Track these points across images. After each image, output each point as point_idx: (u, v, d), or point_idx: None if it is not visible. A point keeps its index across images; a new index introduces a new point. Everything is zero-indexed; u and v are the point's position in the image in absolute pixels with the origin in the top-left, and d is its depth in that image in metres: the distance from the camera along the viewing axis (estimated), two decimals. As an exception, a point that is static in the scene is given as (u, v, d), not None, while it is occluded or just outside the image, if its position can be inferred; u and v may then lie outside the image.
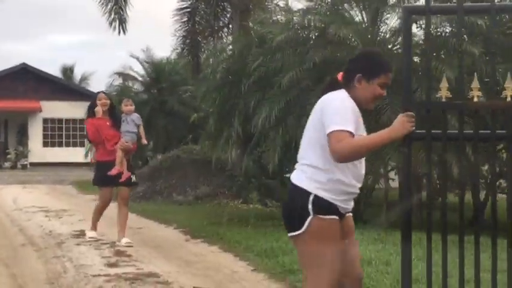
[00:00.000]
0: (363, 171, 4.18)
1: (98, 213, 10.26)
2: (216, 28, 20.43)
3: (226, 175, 19.80)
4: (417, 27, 14.14)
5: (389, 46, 14.30)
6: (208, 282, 7.53)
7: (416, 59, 14.41)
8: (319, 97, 4.19)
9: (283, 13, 15.52)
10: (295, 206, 3.95)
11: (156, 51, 79.85)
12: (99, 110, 9.60)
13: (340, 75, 4.24)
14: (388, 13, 13.96)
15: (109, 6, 20.77)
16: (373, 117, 12.56)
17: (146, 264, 8.47)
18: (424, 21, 13.91)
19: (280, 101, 12.77)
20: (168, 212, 15.55)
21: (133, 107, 9.77)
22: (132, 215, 15.04)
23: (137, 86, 31.43)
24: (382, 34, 14.22)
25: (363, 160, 4.17)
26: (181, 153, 21.18)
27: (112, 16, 20.83)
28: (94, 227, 10.35)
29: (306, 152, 4.08)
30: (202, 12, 20.29)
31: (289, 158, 17.00)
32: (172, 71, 30.49)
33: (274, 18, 15.39)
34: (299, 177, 4.03)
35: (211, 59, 16.57)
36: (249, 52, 13.92)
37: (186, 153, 21.15)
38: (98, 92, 10.39)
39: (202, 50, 21.01)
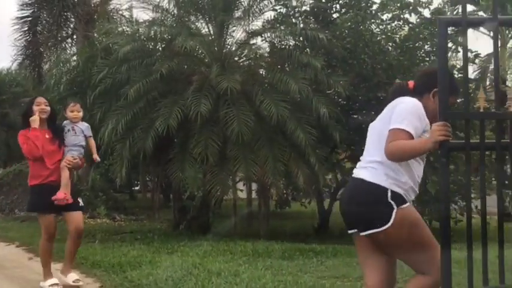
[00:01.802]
0: (418, 174, 4.15)
1: (46, 252, 7.65)
2: (59, 38, 19.85)
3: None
4: (262, 40, 14.47)
5: (236, 58, 14.49)
6: (52, 302, 7.23)
7: (262, 72, 14.73)
8: (389, 100, 4.25)
9: (128, 24, 15.32)
10: (374, 203, 4.00)
11: (-4, 61, 76.48)
12: (35, 119, 7.22)
13: (411, 84, 4.28)
14: (234, 26, 14.16)
15: None
16: (220, 128, 12.67)
17: (-15, 286, 8.03)
18: (268, 34, 14.32)
19: (127, 113, 12.60)
20: (9, 229, 14.85)
21: (81, 114, 7.52)
22: (-31, 234, 14.26)
23: (-25, 99, 29.97)
24: (229, 46, 14.39)
25: (420, 165, 4.13)
26: (23, 168, 20.30)
27: None
28: (49, 273, 7.61)
29: (376, 149, 4.11)
30: (44, 21, 19.63)
31: (137, 171, 16.83)
32: (14, 82, 29.37)
33: (120, 29, 15.14)
34: (371, 174, 4.07)
35: (54, 70, 16.03)
36: (94, 63, 13.64)
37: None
38: (35, 96, 7.82)
39: (45, 60, 20.32)
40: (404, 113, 3.98)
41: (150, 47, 14.25)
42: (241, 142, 12.33)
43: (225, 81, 12.34)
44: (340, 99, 14.69)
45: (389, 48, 14.80)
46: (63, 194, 7.16)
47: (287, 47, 14.46)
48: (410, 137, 3.88)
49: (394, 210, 3.93)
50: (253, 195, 15.27)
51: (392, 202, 3.95)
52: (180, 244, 11.40)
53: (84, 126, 7.51)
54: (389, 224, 3.93)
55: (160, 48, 14.37)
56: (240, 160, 12.55)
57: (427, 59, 14.77)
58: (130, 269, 8.45)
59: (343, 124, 13.64)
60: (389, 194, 3.97)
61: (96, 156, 7.68)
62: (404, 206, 3.98)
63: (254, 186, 15.24)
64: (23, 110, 7.70)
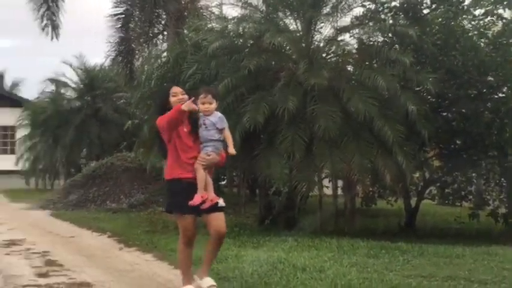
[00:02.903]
0: None
1: (185, 257, 6.88)
2: (151, 35, 20.27)
3: (161, 183, 19.66)
4: (350, 36, 14.37)
5: (323, 55, 14.45)
6: (142, 292, 7.44)
7: (349, 68, 14.64)
8: None
9: (218, 21, 15.50)
10: None
11: (90, 57, 78.81)
12: (187, 103, 6.20)
13: None
14: (322, 22, 14.12)
15: (41, 12, 20.43)
16: (307, 124, 12.69)
17: (78, 274, 8.30)
18: (356, 31, 14.19)
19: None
20: (101, 219, 15.35)
21: (214, 105, 6.53)
22: (64, 223, 14.84)
23: (70, 93, 30.98)
24: (316, 43, 14.36)
25: None
26: (115, 161, 20.96)
27: (44, 21, 20.49)
28: (187, 280, 6.78)
29: None
30: (136, 18, 20.08)
31: (224, 166, 17.00)
32: (106, 78, 30.18)
33: (209, 25, 15.36)
34: None
35: (145, 66, 16.42)
36: (184, 59, 13.87)
37: (120, 160, 20.95)
38: (169, 86, 6.99)
39: (137, 56, 20.79)
40: None
41: (239, 43, 14.38)
42: (327, 138, 12.32)
43: (312, 77, 12.36)
44: (429, 96, 14.44)
45: (482, 44, 14.42)
46: (199, 198, 6.34)
47: (375, 43, 14.33)
48: None
49: None
50: (339, 191, 15.21)
51: None
52: (265, 239, 11.49)
53: (215, 117, 6.53)
54: None
55: (248, 45, 14.47)
56: (326, 156, 12.53)
57: (521, 55, 14.32)
58: (216, 262, 8.56)
59: (431, 122, 13.40)
60: None
61: (231, 150, 6.58)
62: None
63: (340, 183, 15.18)
64: (159, 103, 7.03)
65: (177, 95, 6.44)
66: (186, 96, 6.40)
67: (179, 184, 6.41)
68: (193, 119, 6.51)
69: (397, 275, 7.65)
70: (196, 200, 6.30)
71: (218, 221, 6.57)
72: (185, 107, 6.11)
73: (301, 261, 8.54)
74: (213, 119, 6.48)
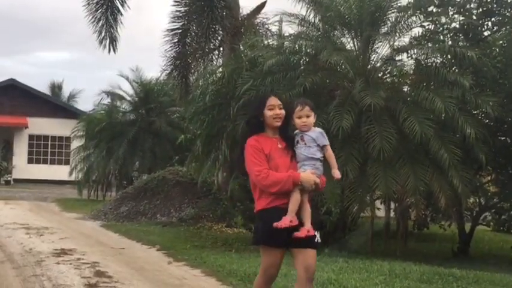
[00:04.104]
0: None
1: None
2: (207, 50, 20.35)
3: (212, 198, 19.68)
4: (408, 57, 14.17)
5: (380, 75, 14.29)
6: (189, 307, 7.39)
7: (406, 89, 14.44)
8: None
9: (274, 37, 15.49)
10: None
11: (145, 71, 79.83)
12: (308, 179, 5.44)
13: None
14: (380, 41, 13.95)
15: (99, 25, 20.70)
16: (361, 145, 12.53)
17: (127, 286, 8.31)
18: (414, 51, 13.98)
19: (269, 125, 12.69)
20: (151, 232, 15.41)
21: (311, 119, 5.66)
22: (114, 235, 14.94)
23: (125, 106, 31.34)
24: (373, 62, 14.20)
25: None
26: (167, 175, 21.06)
27: (102, 34, 20.76)
28: None
29: None
30: (193, 33, 20.19)
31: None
32: (161, 92, 30.43)
33: (266, 42, 15.35)
34: None
35: (200, 81, 16.46)
36: (239, 75, 13.85)
37: (172, 174, 21.04)
38: (266, 96, 5.86)
39: (192, 71, 20.89)
40: None
41: (294, 60, 14.31)
42: (382, 159, 12.13)
43: (368, 97, 12.21)
44: (487, 120, 14.12)
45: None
46: (287, 221, 5.31)
47: (433, 64, 14.09)
48: None
49: None
50: (391, 213, 14.96)
51: None
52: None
53: (315, 133, 5.65)
54: None
55: (304, 62, 14.41)
56: (380, 177, 12.33)
57: None
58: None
59: (489, 146, 13.08)
60: None
61: (336, 171, 5.61)
62: None
63: (392, 205, 14.94)
64: (251, 113, 6.10)
65: (274, 109, 5.54)
66: (283, 112, 5.55)
67: (274, 212, 5.39)
68: (287, 134, 5.67)
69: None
70: (284, 222, 5.29)
71: (310, 258, 5.50)
72: (306, 181, 5.38)
73: (351, 284, 8.40)
74: (313, 134, 5.62)
